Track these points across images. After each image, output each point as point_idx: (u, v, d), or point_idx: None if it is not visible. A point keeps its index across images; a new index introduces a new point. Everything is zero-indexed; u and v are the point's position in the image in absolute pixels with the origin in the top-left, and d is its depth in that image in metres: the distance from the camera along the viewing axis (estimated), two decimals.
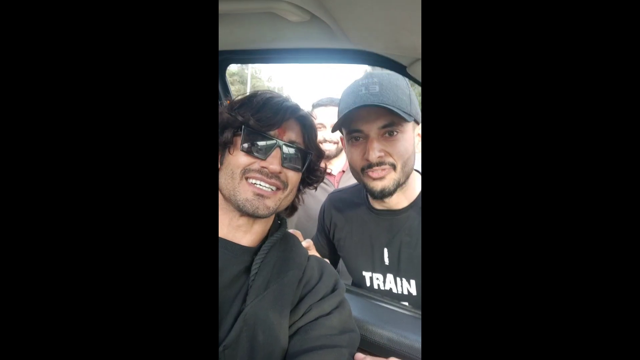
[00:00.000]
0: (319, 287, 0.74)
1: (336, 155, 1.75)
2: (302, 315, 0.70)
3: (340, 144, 1.70)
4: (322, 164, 0.84)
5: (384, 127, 0.92)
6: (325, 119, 1.71)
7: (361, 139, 0.96)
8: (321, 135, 1.68)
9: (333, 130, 1.03)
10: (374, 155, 0.91)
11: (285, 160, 0.72)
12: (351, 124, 0.96)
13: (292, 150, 0.74)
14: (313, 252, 1.06)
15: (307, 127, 0.78)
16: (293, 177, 0.75)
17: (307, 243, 1.08)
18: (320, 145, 0.84)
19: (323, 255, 1.24)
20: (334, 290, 0.76)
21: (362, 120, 0.93)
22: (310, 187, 0.84)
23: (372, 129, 0.92)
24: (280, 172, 0.71)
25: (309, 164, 0.78)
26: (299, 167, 0.76)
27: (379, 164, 0.93)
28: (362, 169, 0.96)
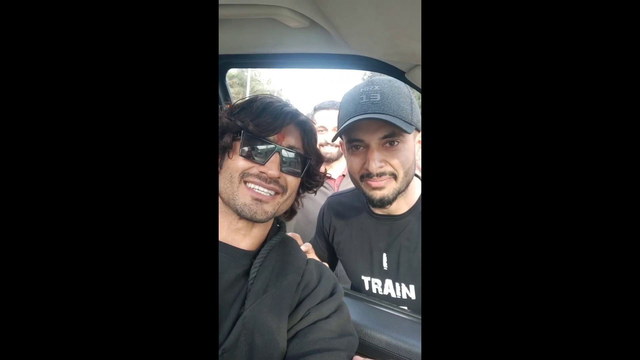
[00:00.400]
0: (318, 291, 0.74)
1: (337, 158, 1.76)
2: (301, 319, 0.70)
3: (341, 148, 1.71)
4: (322, 169, 0.85)
5: (385, 137, 0.91)
6: (327, 122, 1.72)
7: (361, 148, 0.95)
8: (322, 138, 1.69)
9: (333, 140, 1.02)
10: (375, 166, 0.91)
11: (284, 165, 0.73)
12: (351, 133, 0.94)
13: (291, 155, 0.74)
14: (312, 255, 1.07)
15: (307, 132, 0.78)
16: (292, 181, 0.75)
17: (306, 247, 1.08)
18: (322, 148, 0.84)
19: (322, 259, 1.24)
20: (332, 294, 0.76)
21: (362, 130, 0.92)
22: (310, 192, 0.85)
23: (373, 139, 0.91)
24: (278, 177, 0.71)
25: (308, 168, 0.78)
26: (298, 171, 0.76)
27: (380, 174, 0.92)
28: (362, 177, 0.96)
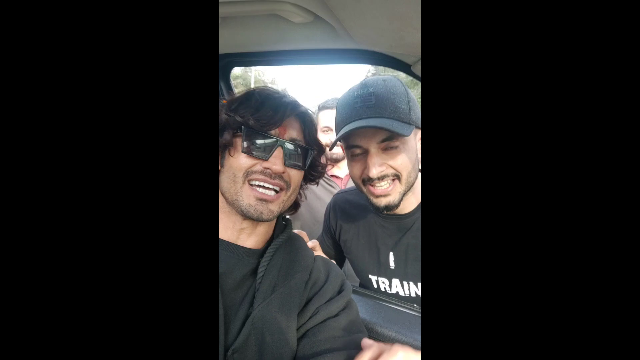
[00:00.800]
0: (326, 289, 0.73)
1: (344, 158, 1.75)
2: (310, 318, 0.69)
3: (342, 150, 1.70)
4: (322, 159, 0.83)
5: (384, 141, 0.88)
6: (332, 122, 1.70)
7: (361, 153, 0.93)
8: (328, 138, 1.68)
9: (330, 148, 0.99)
10: (376, 171, 0.88)
11: (287, 158, 0.71)
12: (349, 140, 0.92)
13: (294, 148, 0.73)
14: (319, 252, 1.06)
15: (307, 123, 0.77)
16: (296, 175, 0.74)
17: (312, 243, 1.07)
18: (328, 149, 0.83)
19: (329, 256, 1.23)
20: (340, 291, 0.75)
21: (360, 135, 0.89)
22: (312, 183, 0.83)
23: (372, 144, 0.89)
24: (283, 172, 0.70)
25: (311, 160, 0.77)
26: (301, 164, 0.75)
27: (381, 177, 0.90)
28: (364, 182, 0.94)
